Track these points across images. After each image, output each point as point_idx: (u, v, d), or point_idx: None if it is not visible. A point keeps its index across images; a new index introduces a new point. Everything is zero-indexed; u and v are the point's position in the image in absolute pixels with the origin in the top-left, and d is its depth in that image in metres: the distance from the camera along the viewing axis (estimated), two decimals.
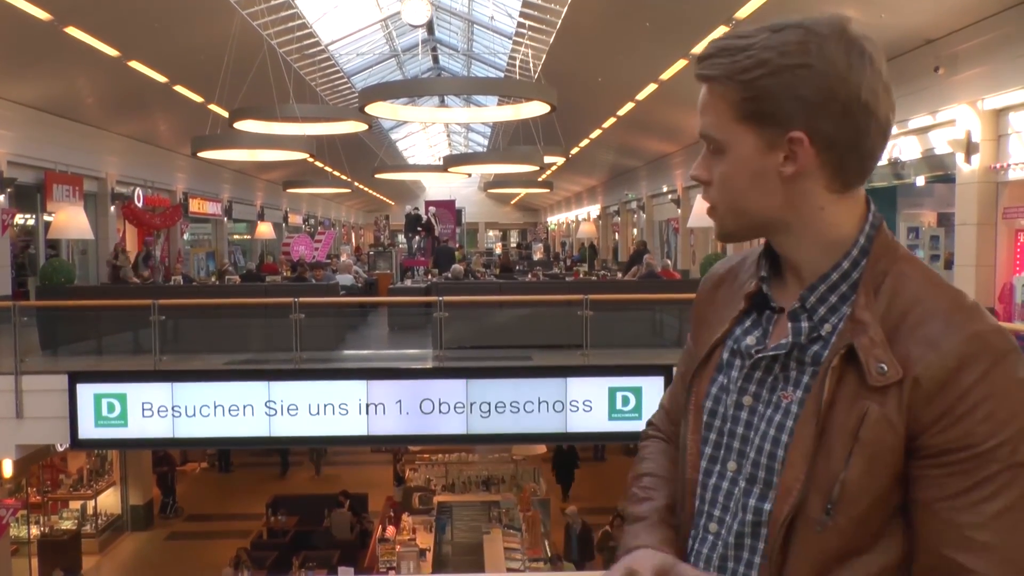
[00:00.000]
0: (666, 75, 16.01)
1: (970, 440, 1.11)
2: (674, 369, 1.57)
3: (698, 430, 1.37)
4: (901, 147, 12.88)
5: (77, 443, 10.05)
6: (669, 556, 1.28)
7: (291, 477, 19.52)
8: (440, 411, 9.79)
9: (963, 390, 1.11)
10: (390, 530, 13.65)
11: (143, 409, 9.81)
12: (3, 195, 15.42)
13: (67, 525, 15.13)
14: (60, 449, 12.92)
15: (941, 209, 15.00)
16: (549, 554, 13.10)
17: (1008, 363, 1.13)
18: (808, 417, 1.20)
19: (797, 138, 1.20)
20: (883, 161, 11.74)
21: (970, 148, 10.97)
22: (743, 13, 12.09)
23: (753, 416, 1.29)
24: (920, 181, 13.30)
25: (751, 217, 1.28)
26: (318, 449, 18.86)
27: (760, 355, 1.29)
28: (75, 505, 15.57)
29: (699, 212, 15.78)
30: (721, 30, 12.91)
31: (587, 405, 9.76)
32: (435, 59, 29.87)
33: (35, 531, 14.43)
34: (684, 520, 1.39)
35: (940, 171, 12.41)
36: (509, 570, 11.83)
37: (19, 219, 17.19)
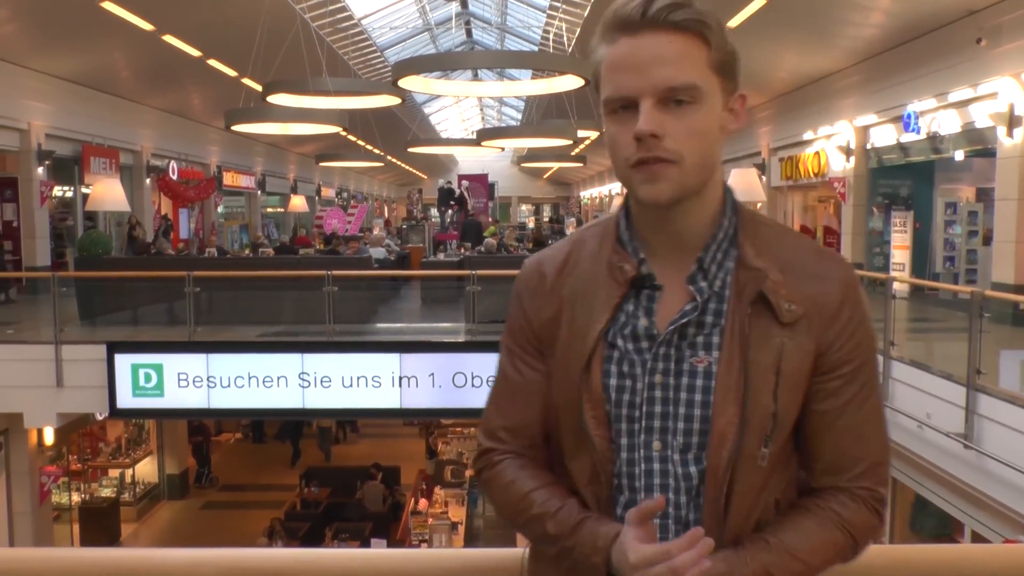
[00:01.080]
0: None
1: (857, 352, 1.32)
2: (507, 379, 1.46)
3: (604, 423, 1.33)
4: (940, 121, 12.64)
5: (115, 412, 10.21)
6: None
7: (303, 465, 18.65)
8: (473, 384, 9.81)
9: (850, 312, 1.31)
10: (422, 503, 13.74)
11: (179, 379, 9.92)
12: (42, 167, 15.60)
13: (106, 493, 15.37)
14: (99, 418, 13.10)
15: (980, 184, 14.76)
16: None
17: (862, 289, 1.37)
18: (730, 365, 1.28)
19: (743, 96, 1.33)
20: (920, 135, 11.63)
21: (1012, 121, 10.73)
22: None
23: (668, 391, 1.31)
24: (959, 155, 13.08)
25: (708, 172, 1.30)
26: (327, 436, 18.94)
27: (672, 326, 1.31)
28: (114, 473, 15.80)
29: (737, 184, 15.60)
30: (757, 5, 12.73)
31: None
32: (468, 32, 29.72)
33: (76, 498, 14.68)
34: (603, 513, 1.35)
35: (980, 145, 12.18)
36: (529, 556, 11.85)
37: (57, 191, 17.39)
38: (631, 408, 1.32)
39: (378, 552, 1.58)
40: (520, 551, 1.56)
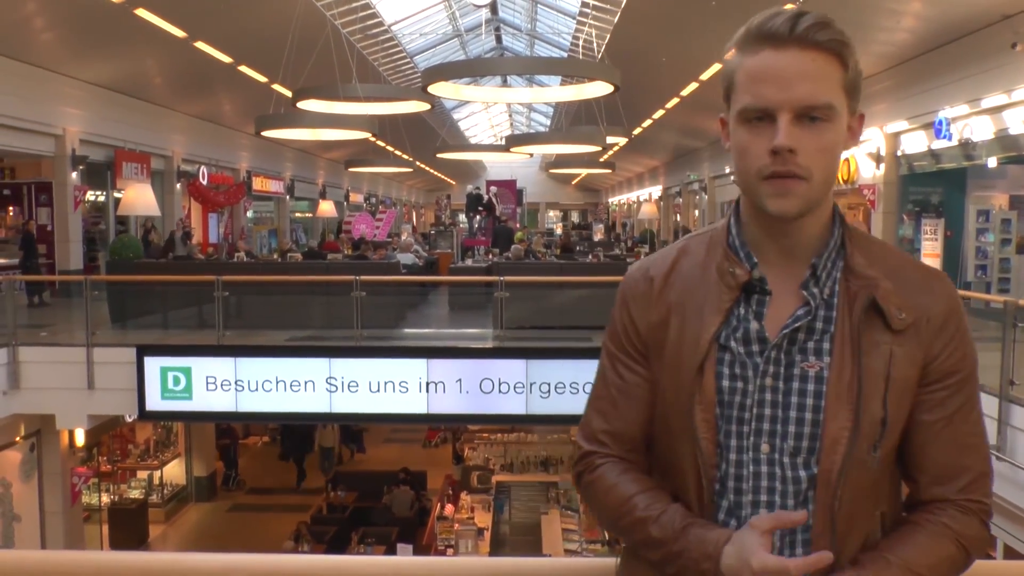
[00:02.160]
0: None
1: (962, 365, 1.36)
2: (609, 384, 1.48)
3: (712, 427, 1.36)
4: (972, 127, 12.50)
5: (144, 415, 10.29)
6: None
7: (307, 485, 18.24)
8: (500, 391, 9.80)
9: (956, 326, 1.35)
10: (448, 508, 13.72)
11: (207, 383, 9.98)
12: (75, 172, 15.80)
13: (135, 494, 15.51)
14: (129, 420, 13.22)
15: (1014, 191, 14.58)
16: (607, 537, 13.07)
17: (963, 306, 1.40)
18: (841, 370, 1.31)
19: (862, 116, 1.37)
20: (952, 142, 11.49)
21: None
22: None
23: (778, 395, 1.34)
24: (992, 162, 12.92)
25: (830, 187, 1.34)
26: (330, 457, 18.16)
27: (785, 330, 1.34)
28: (142, 475, 15.95)
29: None
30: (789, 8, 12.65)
31: None
32: (498, 39, 29.78)
33: (105, 499, 14.83)
34: (704, 517, 1.38)
35: (1013, 152, 12.03)
36: (566, 551, 11.82)
37: (90, 196, 17.60)
38: (741, 410, 1.35)
39: (461, 560, 1.58)
40: (612, 561, 1.57)
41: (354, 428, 19.24)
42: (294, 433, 18.30)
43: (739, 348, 1.35)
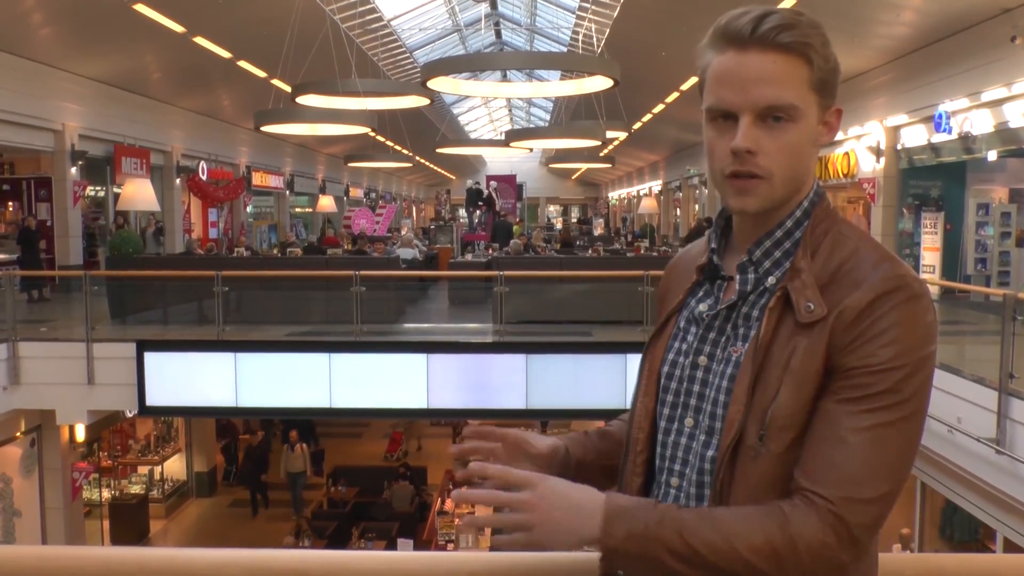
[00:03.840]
0: None
1: (871, 360, 1.23)
2: None
3: (650, 393, 1.46)
4: (972, 120, 12.49)
5: (145, 410, 10.30)
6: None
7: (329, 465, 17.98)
8: (500, 385, 9.81)
9: (875, 316, 1.24)
10: (449, 503, 13.76)
11: (207, 378, 10.00)
12: (75, 168, 15.79)
13: (136, 489, 15.53)
14: (129, 415, 13.24)
15: (1013, 184, 14.58)
16: None
17: (920, 304, 1.25)
18: (749, 356, 1.31)
19: (839, 110, 1.37)
20: (952, 135, 11.50)
21: None
22: None
23: (707, 374, 1.38)
24: (992, 156, 12.92)
25: (796, 184, 1.35)
26: (299, 483, 15.59)
27: (712, 311, 1.39)
28: (143, 470, 15.96)
29: None
30: (789, 3, 12.64)
31: None
32: (498, 34, 29.73)
33: (106, 494, 14.84)
34: (623, 474, 1.48)
35: (1013, 145, 12.03)
36: None
37: (90, 191, 17.59)
38: (679, 383, 1.42)
39: (445, 555, 1.58)
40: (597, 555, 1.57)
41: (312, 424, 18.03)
42: (253, 453, 16.60)
43: (689, 327, 1.43)
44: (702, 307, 1.42)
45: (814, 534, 1.19)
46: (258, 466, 16.49)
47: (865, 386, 1.23)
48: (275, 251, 20.47)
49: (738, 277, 1.37)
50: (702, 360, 1.39)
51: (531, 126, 39.73)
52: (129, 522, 14.54)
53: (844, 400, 1.24)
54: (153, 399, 9.98)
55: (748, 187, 1.31)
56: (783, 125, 1.29)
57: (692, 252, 1.55)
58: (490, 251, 18.82)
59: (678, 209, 34.81)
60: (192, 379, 10.13)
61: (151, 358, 9.94)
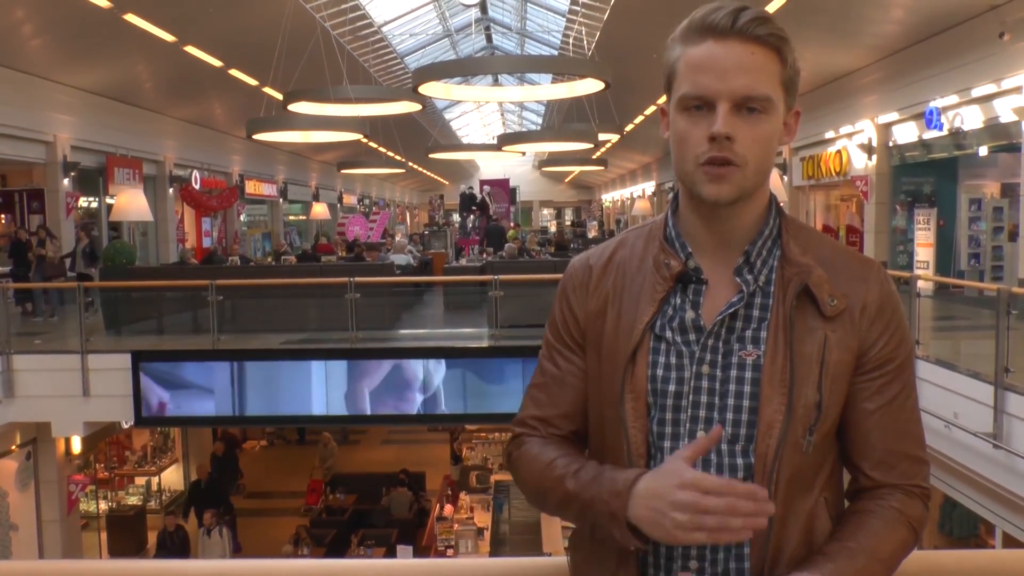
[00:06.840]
0: None
1: (898, 353, 1.39)
2: (544, 373, 1.57)
3: (643, 416, 1.38)
4: (963, 117, 12.53)
5: (141, 421, 10.26)
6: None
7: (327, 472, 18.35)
8: (497, 390, 9.80)
9: (891, 314, 1.39)
10: (447, 509, 13.72)
11: (203, 387, 9.97)
12: (67, 179, 15.75)
13: (133, 501, 15.47)
14: (125, 426, 13.19)
15: (1005, 179, 14.61)
16: None
17: (898, 294, 1.43)
18: (775, 356, 1.33)
19: (798, 112, 1.41)
20: (943, 131, 11.53)
21: None
22: None
23: (715, 383, 1.36)
24: (983, 151, 12.97)
25: (763, 177, 1.37)
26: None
27: (719, 317, 1.36)
28: (140, 481, 15.89)
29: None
30: (780, 2, 12.67)
31: None
32: (488, 38, 29.77)
33: (103, 506, 14.78)
34: None
35: (1004, 140, 12.08)
36: (567, 550, 11.83)
37: (83, 202, 17.55)
38: (677, 399, 1.37)
39: (419, 562, 1.58)
40: (564, 560, 1.56)
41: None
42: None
43: (676, 337, 1.38)
44: (690, 314, 1.38)
45: (923, 516, 1.39)
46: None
47: (898, 375, 1.39)
48: (269, 259, 20.44)
49: (737, 280, 1.39)
50: (706, 369, 1.36)
51: (523, 130, 39.78)
52: (127, 533, 14.47)
53: (894, 395, 1.38)
54: (149, 410, 9.96)
55: (723, 174, 1.32)
56: (757, 116, 1.32)
57: (616, 258, 1.48)
58: (484, 255, 18.81)
59: None
60: (188, 389, 10.09)
61: (147, 368, 9.92)
